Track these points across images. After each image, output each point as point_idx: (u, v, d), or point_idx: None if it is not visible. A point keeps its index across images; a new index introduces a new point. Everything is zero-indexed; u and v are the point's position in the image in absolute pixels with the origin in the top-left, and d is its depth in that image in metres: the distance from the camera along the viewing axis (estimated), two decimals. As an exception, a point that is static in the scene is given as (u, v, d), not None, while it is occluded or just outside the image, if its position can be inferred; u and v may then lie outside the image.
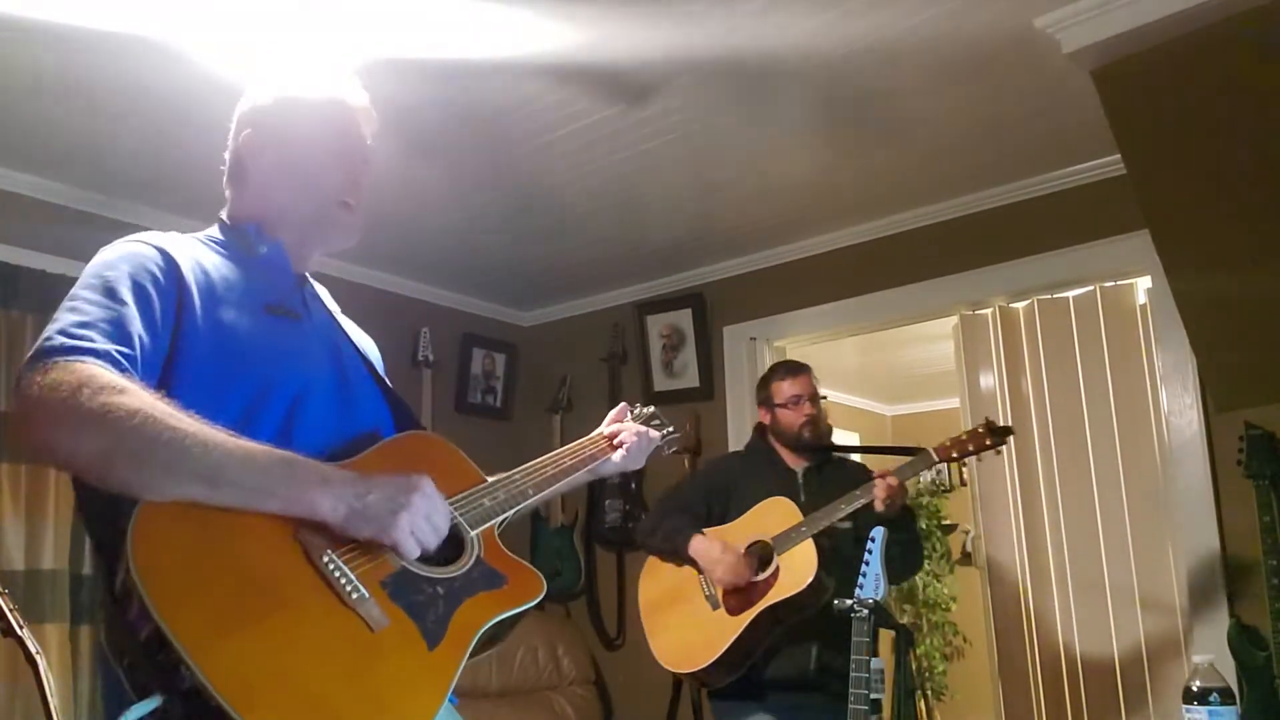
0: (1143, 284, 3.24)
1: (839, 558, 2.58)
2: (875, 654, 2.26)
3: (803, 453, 2.83)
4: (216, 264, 1.34)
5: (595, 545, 4.32)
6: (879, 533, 2.36)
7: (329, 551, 1.13)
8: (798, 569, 2.54)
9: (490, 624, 1.24)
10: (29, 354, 1.14)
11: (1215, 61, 2.28)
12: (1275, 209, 2.43)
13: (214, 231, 1.43)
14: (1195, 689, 1.91)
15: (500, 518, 1.37)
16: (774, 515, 2.65)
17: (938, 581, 6.09)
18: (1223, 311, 2.69)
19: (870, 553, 2.35)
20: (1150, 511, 3.14)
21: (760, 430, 2.94)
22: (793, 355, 4.16)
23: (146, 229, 1.22)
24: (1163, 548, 3.10)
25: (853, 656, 2.25)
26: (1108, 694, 3.13)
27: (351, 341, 1.51)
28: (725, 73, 2.56)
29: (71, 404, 1.07)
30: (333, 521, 1.13)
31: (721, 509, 2.79)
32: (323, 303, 1.52)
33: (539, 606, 4.42)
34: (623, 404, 1.81)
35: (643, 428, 1.72)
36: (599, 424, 1.76)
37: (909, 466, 2.65)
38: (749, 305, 4.00)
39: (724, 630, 2.57)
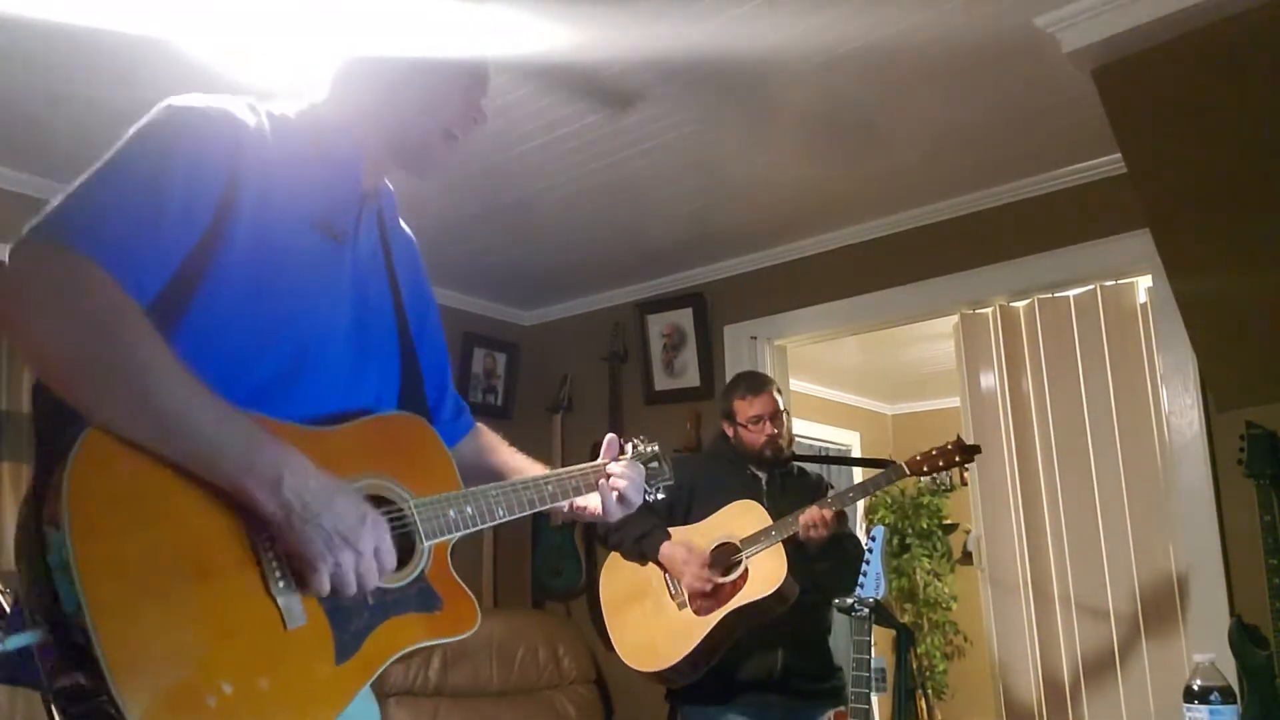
0: (1143, 283, 3.24)
1: (800, 564, 2.60)
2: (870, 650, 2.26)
3: (764, 465, 2.84)
4: (277, 160, 1.21)
5: (596, 544, 4.31)
6: (879, 532, 2.37)
7: (266, 530, 1.05)
8: (767, 573, 2.55)
9: (410, 649, 1.16)
10: (42, 216, 1.05)
11: (1215, 61, 2.28)
12: (1275, 208, 2.43)
13: (288, 111, 1.29)
14: (1196, 688, 1.91)
15: (460, 534, 1.27)
16: (743, 518, 2.66)
17: (938, 581, 6.10)
18: (1223, 310, 2.69)
19: (871, 552, 2.36)
20: (1151, 510, 3.14)
21: (724, 438, 2.93)
22: (793, 354, 4.17)
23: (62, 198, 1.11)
24: (1163, 547, 3.10)
25: (853, 656, 2.26)
26: (1108, 692, 3.13)
27: (391, 282, 1.39)
28: (725, 72, 2.56)
29: (57, 303, 0.99)
30: (265, 514, 1.03)
31: (684, 509, 2.79)
32: (376, 223, 1.39)
33: (537, 606, 4.42)
34: (629, 446, 1.63)
35: (637, 471, 1.56)
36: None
37: (878, 479, 2.70)
38: (750, 304, 4.00)
39: (691, 631, 2.58)
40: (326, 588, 1.05)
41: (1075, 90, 2.56)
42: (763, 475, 2.83)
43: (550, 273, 4.19)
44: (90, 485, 0.95)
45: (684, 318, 4.13)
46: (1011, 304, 3.50)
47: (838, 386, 6.32)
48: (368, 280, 1.33)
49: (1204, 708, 1.89)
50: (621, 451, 1.61)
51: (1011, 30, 2.37)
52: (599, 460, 1.56)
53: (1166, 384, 3.03)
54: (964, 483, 5.81)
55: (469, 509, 1.28)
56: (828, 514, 2.57)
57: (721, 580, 2.58)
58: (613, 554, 2.83)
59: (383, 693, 3.49)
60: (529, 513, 1.41)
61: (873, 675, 2.25)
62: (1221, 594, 2.82)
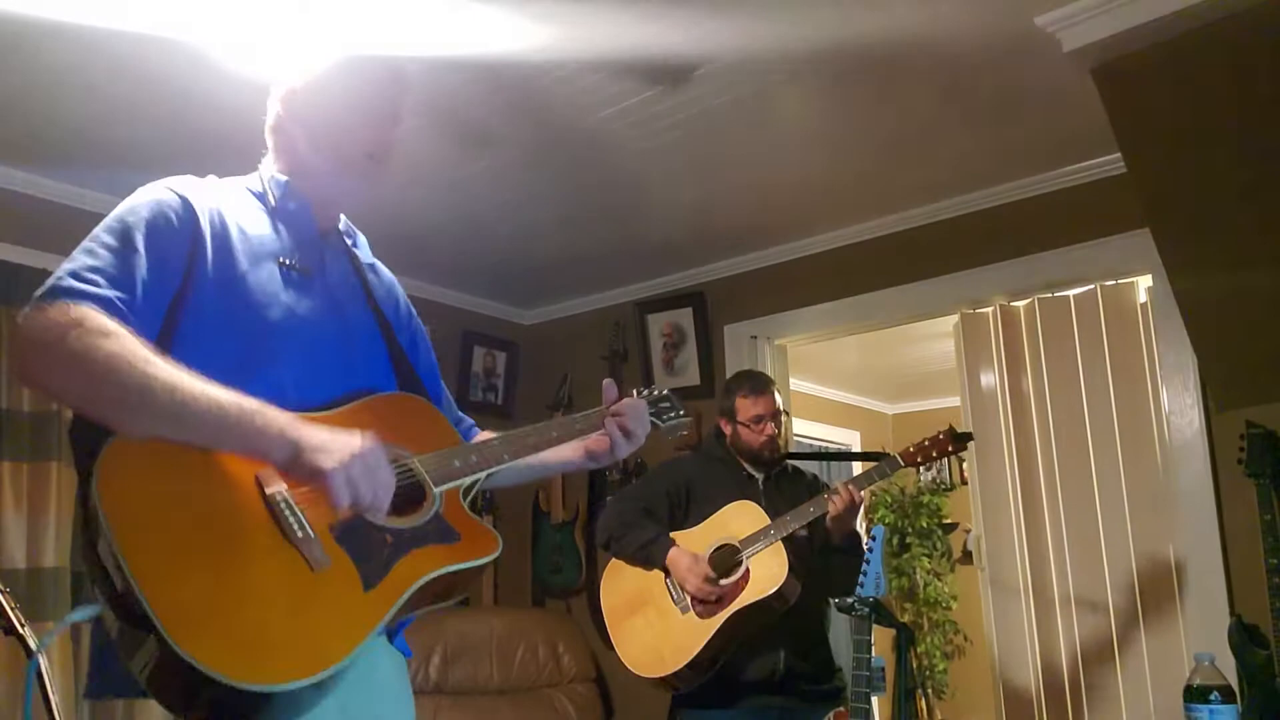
0: (1144, 283, 3.24)
1: (800, 564, 2.60)
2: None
3: (762, 465, 2.83)
4: (241, 214, 1.41)
5: (597, 545, 4.32)
6: (879, 532, 2.37)
7: (281, 490, 1.19)
8: (768, 572, 2.55)
9: (434, 574, 1.28)
10: (41, 287, 1.23)
11: (1216, 60, 2.28)
12: (1275, 208, 2.43)
13: (253, 180, 1.50)
14: (1196, 687, 1.92)
15: (468, 479, 1.41)
16: (740, 519, 2.65)
17: (938, 580, 6.10)
18: (1224, 310, 2.69)
19: (871, 551, 2.36)
20: (1151, 510, 3.14)
21: (719, 437, 2.92)
22: (793, 354, 4.17)
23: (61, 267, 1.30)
24: (1163, 546, 3.10)
25: (853, 655, 2.26)
26: (1108, 692, 3.13)
27: (368, 304, 1.54)
28: (725, 72, 2.56)
29: (59, 345, 1.16)
30: (278, 464, 1.20)
31: (682, 511, 2.79)
32: (347, 259, 1.56)
33: (537, 604, 4.42)
34: (617, 388, 1.75)
35: (646, 410, 1.72)
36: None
37: (875, 470, 2.69)
38: (750, 304, 4.00)
39: (695, 634, 2.57)
40: (346, 498, 1.20)
41: (1075, 90, 2.56)
42: (759, 475, 2.83)
43: (550, 272, 4.19)
44: (120, 483, 1.12)
45: (684, 317, 4.14)
46: (1011, 304, 3.50)
47: (838, 386, 6.32)
48: (344, 303, 1.49)
49: (1204, 707, 1.89)
50: (621, 397, 1.72)
51: (1011, 30, 2.37)
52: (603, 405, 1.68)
53: (1166, 384, 3.03)
54: (964, 482, 5.82)
55: (473, 457, 1.43)
56: (858, 494, 2.58)
57: (724, 583, 2.58)
58: (613, 561, 2.81)
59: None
60: (537, 456, 1.55)
61: (873, 675, 2.25)
62: (1221, 594, 2.82)
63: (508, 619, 3.98)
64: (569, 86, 2.63)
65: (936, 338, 4.87)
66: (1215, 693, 1.89)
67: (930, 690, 5.81)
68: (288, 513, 1.18)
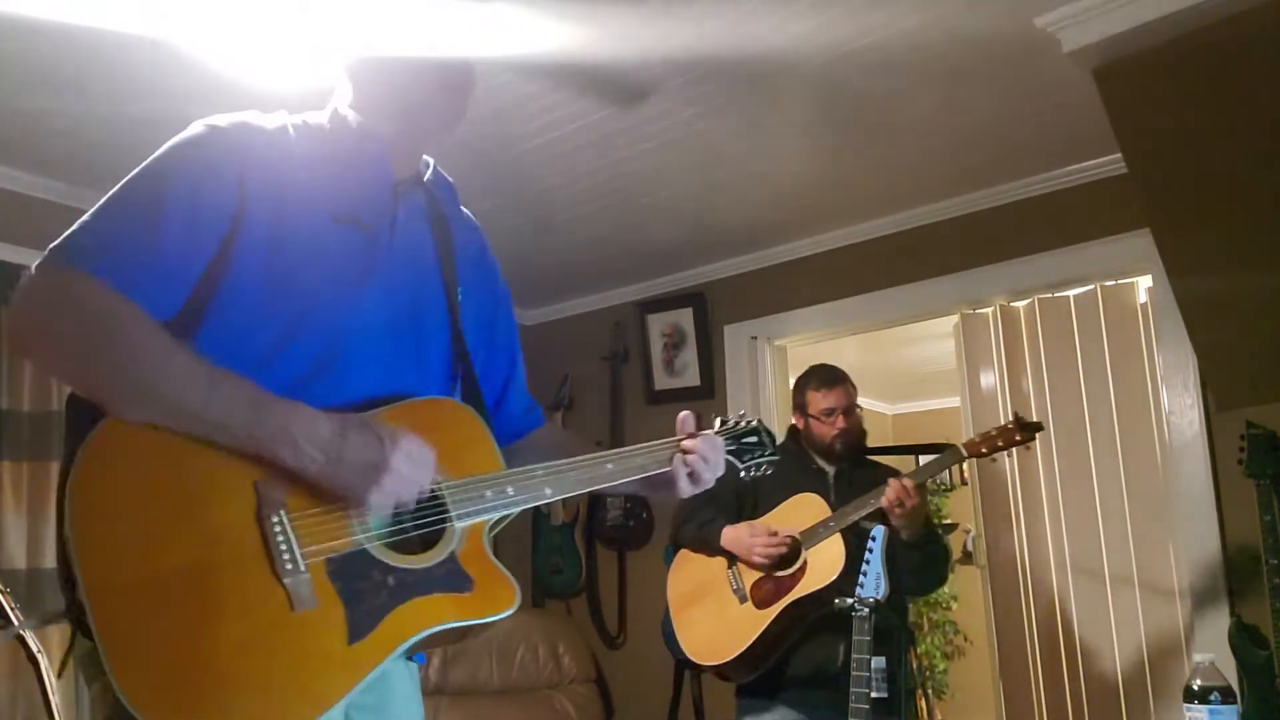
0: (1143, 283, 3.24)
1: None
2: (876, 653, 2.26)
3: (834, 459, 2.82)
4: (298, 161, 1.23)
5: (596, 543, 4.32)
6: (879, 531, 2.36)
7: (281, 511, 1.06)
8: (825, 564, 2.54)
9: (433, 630, 1.12)
10: (54, 244, 1.11)
11: (1216, 60, 2.28)
12: (1275, 208, 2.42)
13: (322, 117, 1.33)
14: (1196, 688, 1.91)
15: (499, 514, 1.23)
16: (802, 511, 2.65)
17: (938, 580, 6.09)
18: (1224, 310, 2.69)
19: (871, 551, 2.35)
20: (1151, 510, 3.14)
21: (793, 431, 2.93)
22: (793, 354, 4.17)
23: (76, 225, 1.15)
24: (1163, 547, 3.10)
25: (853, 656, 2.25)
26: (1108, 692, 3.13)
27: (445, 274, 1.35)
28: (725, 72, 2.56)
29: (61, 320, 1.07)
30: (296, 471, 1.07)
31: (751, 503, 2.79)
32: (427, 217, 1.37)
33: (537, 604, 4.42)
34: (717, 419, 1.56)
35: (716, 442, 1.46)
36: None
37: (937, 462, 2.64)
38: (750, 304, 4.00)
39: (750, 623, 2.58)
40: (388, 508, 1.10)
41: (1075, 90, 2.56)
42: (830, 470, 2.81)
43: (550, 273, 4.19)
44: (96, 472, 1.00)
45: (684, 317, 4.14)
46: (1011, 304, 3.49)
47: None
48: (409, 271, 1.30)
49: (1204, 708, 1.89)
50: (700, 428, 1.50)
51: (1011, 30, 2.37)
52: (675, 437, 1.46)
53: (1166, 384, 3.03)
54: (964, 482, 5.82)
55: (509, 489, 1.24)
56: (909, 484, 2.53)
57: (780, 574, 2.58)
58: (680, 553, 2.84)
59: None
60: (586, 491, 1.35)
61: (873, 675, 2.25)
62: (1221, 594, 2.82)
63: (507, 620, 3.96)
64: (569, 87, 2.62)
65: (936, 338, 4.87)
66: (1215, 693, 1.89)
67: (930, 691, 5.81)
68: (280, 540, 1.04)
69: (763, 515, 2.74)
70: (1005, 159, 3.13)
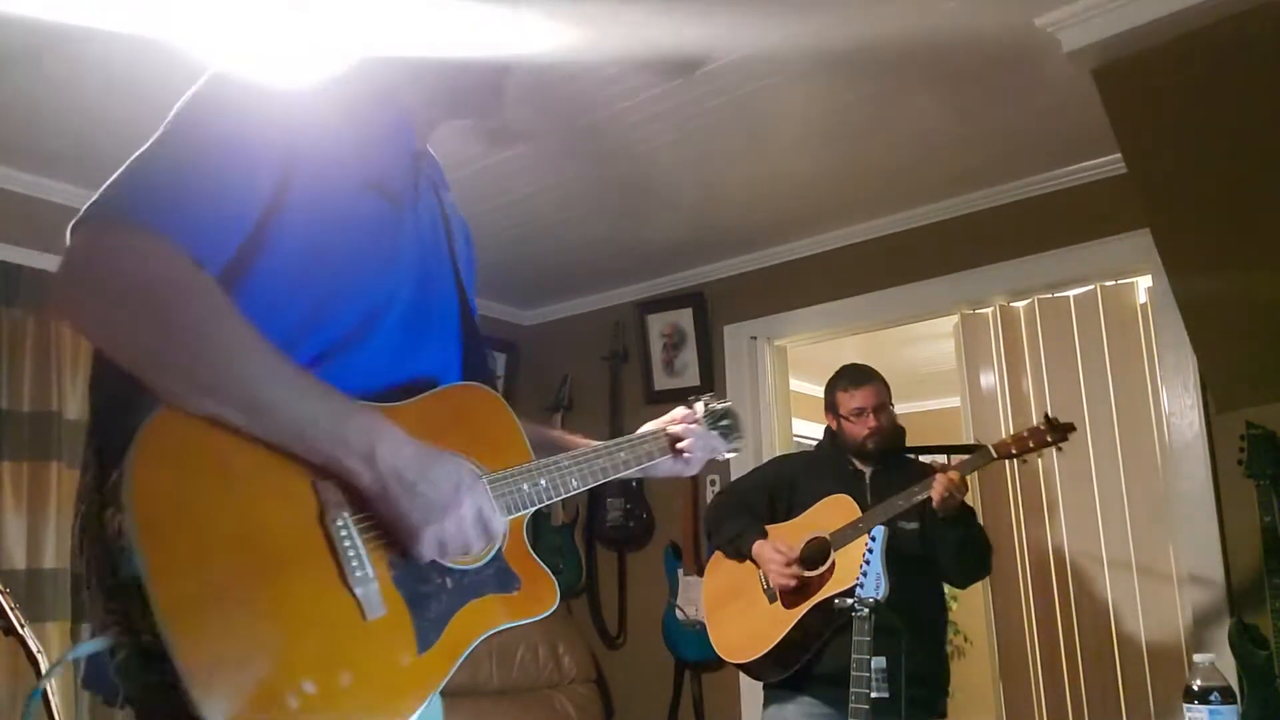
0: (1143, 283, 3.24)
1: (899, 557, 2.54)
2: (875, 653, 2.25)
3: (869, 458, 2.80)
4: (334, 117, 1.15)
5: (596, 543, 4.32)
6: (879, 532, 2.36)
7: (345, 515, 0.99)
8: (853, 564, 2.53)
9: (491, 632, 1.11)
10: (101, 192, 0.98)
11: (1216, 60, 2.28)
12: (1275, 208, 2.42)
13: (342, 67, 1.24)
14: (1196, 688, 1.91)
15: (535, 508, 1.22)
16: (834, 512, 2.65)
17: (938, 580, 6.08)
18: (1224, 310, 2.69)
19: (870, 551, 2.35)
20: (1151, 510, 3.14)
21: (829, 433, 2.92)
22: (793, 354, 4.17)
23: (123, 173, 1.03)
24: (1164, 547, 3.10)
25: (853, 656, 2.25)
26: (1108, 693, 3.13)
27: (450, 253, 1.31)
28: (725, 72, 2.56)
29: (133, 287, 0.93)
30: (366, 492, 1.00)
31: (785, 505, 2.79)
32: (434, 191, 1.32)
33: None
34: (698, 404, 1.62)
35: (710, 434, 1.55)
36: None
37: (968, 464, 2.60)
38: (749, 304, 4.00)
39: (778, 623, 2.60)
40: (429, 556, 1.03)
41: (1075, 90, 2.56)
42: (866, 470, 2.79)
43: (550, 273, 4.19)
44: (159, 473, 0.89)
45: (684, 317, 4.13)
46: (1011, 304, 3.49)
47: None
48: (428, 248, 1.25)
49: (1204, 708, 1.89)
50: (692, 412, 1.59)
51: (1011, 30, 2.37)
52: (666, 422, 1.53)
53: (1166, 384, 3.03)
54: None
55: (542, 481, 1.23)
56: (955, 476, 2.50)
57: (808, 574, 2.58)
58: (715, 553, 2.86)
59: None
60: (603, 481, 1.36)
61: (873, 675, 2.25)
62: (1221, 594, 2.82)
63: (507, 619, 3.97)
64: (569, 87, 2.62)
65: (936, 338, 4.86)
66: (1215, 693, 1.89)
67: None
68: (348, 545, 0.97)
69: (796, 517, 2.74)
70: (1005, 159, 3.13)
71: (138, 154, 1.02)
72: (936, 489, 2.50)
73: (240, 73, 1.10)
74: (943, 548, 2.61)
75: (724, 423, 1.63)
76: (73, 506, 0.99)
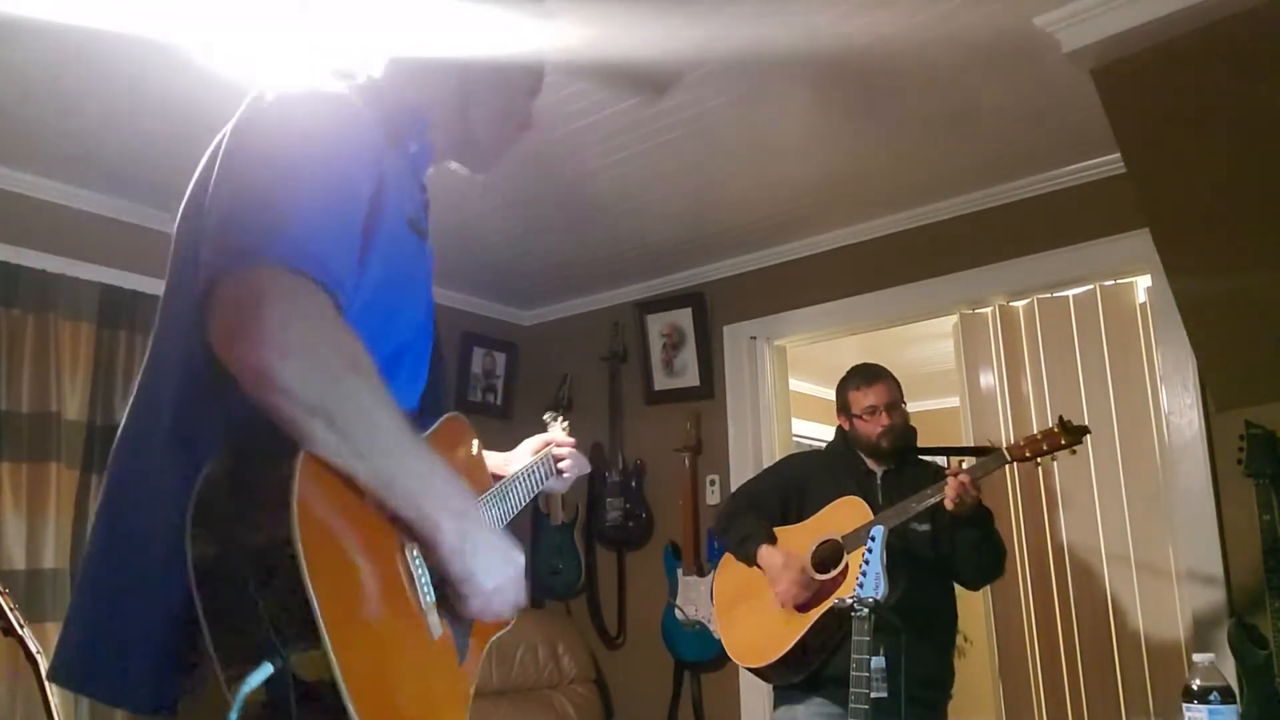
0: (1143, 283, 3.24)
1: (911, 559, 2.55)
2: (876, 653, 2.25)
3: (882, 458, 2.79)
4: (391, 151, 1.16)
5: (596, 543, 4.32)
6: (879, 531, 2.36)
7: (414, 546, 1.06)
8: None
9: (489, 645, 1.25)
10: (259, 234, 0.98)
11: (1215, 60, 2.28)
12: (1275, 208, 2.43)
13: (375, 98, 1.22)
14: (1195, 688, 1.91)
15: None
16: (846, 514, 2.63)
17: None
18: (1223, 310, 2.69)
19: (870, 551, 2.35)
20: (1150, 510, 3.14)
21: (841, 433, 2.90)
22: (793, 354, 4.17)
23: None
24: (1163, 547, 3.10)
25: (853, 656, 2.25)
26: (1108, 692, 3.13)
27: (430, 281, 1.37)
28: (724, 72, 2.56)
29: (309, 343, 0.96)
30: (441, 550, 1.05)
31: (797, 506, 2.77)
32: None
33: (536, 605, 4.44)
34: (556, 425, 1.82)
35: (580, 455, 1.74)
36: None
37: (980, 466, 2.56)
38: (749, 304, 4.00)
39: (791, 627, 2.58)
40: (474, 614, 1.12)
41: (1075, 90, 2.56)
42: (878, 470, 2.77)
43: (550, 273, 4.19)
44: (315, 514, 0.94)
45: (684, 318, 4.13)
46: (1011, 304, 3.50)
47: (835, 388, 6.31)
48: (430, 276, 1.30)
49: (1203, 708, 1.89)
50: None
51: (1011, 30, 2.37)
52: (543, 442, 1.72)
53: (1166, 384, 3.03)
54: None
55: (507, 503, 1.43)
56: (967, 479, 2.47)
57: (821, 578, 2.57)
58: (727, 554, 2.84)
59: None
60: (524, 504, 1.55)
61: (872, 675, 2.24)
62: (1221, 594, 2.82)
63: (507, 620, 3.97)
64: (569, 87, 2.62)
65: (936, 338, 4.87)
66: (1215, 693, 1.89)
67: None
68: (420, 574, 1.06)
69: (808, 518, 2.73)
70: (1005, 159, 3.13)
71: (267, 184, 1.02)
72: (949, 492, 2.48)
73: (339, 94, 1.11)
74: (959, 549, 2.60)
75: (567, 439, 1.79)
76: (197, 490, 0.97)
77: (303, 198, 1.01)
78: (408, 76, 1.29)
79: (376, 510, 1.02)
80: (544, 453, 1.67)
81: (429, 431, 1.24)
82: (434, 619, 1.08)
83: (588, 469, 1.77)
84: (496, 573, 1.09)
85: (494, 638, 1.28)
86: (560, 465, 1.68)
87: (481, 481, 1.38)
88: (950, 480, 2.49)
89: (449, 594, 1.09)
